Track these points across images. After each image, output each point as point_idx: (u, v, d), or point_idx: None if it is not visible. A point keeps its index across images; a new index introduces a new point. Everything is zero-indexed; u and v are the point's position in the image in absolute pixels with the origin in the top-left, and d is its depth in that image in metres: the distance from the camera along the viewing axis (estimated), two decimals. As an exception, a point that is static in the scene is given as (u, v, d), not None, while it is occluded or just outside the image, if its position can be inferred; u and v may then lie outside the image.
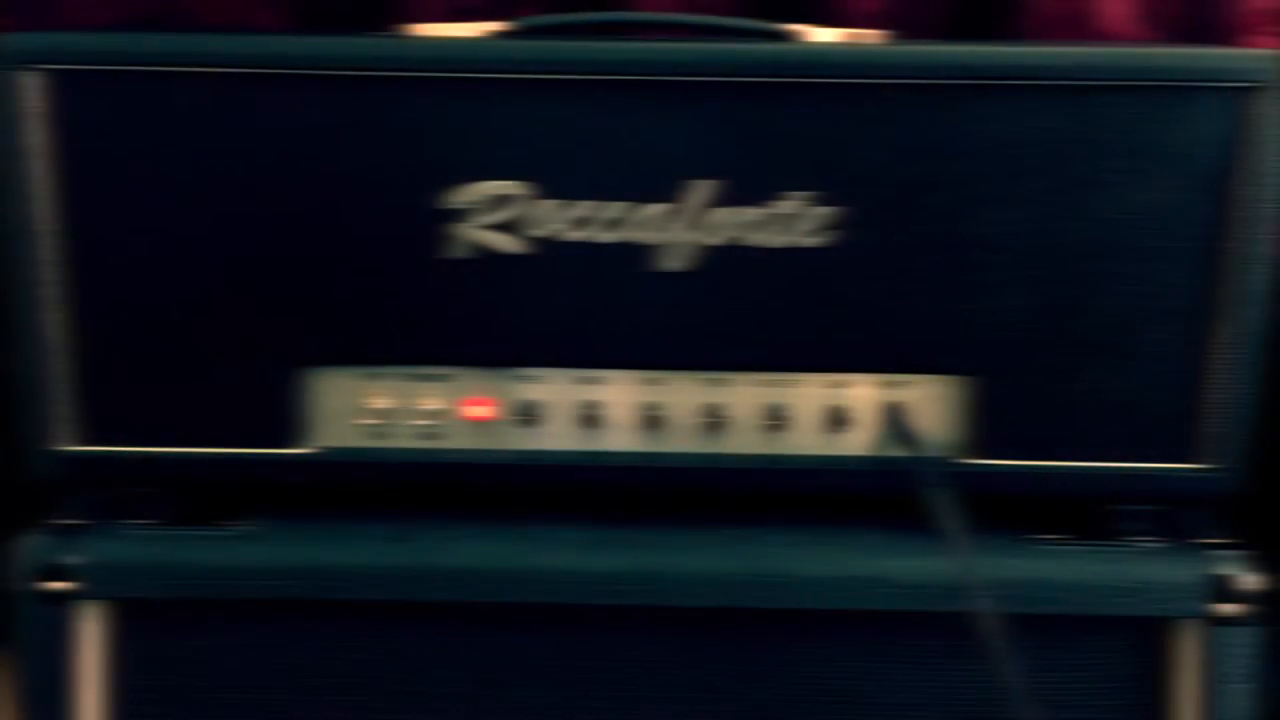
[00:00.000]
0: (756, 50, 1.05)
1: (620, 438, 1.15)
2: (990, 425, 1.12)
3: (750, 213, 1.07)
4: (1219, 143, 1.05)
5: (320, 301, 1.09)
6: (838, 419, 1.13)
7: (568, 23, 1.18)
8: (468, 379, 1.14)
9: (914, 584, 1.12)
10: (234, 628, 1.15)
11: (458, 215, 1.08)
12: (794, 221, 1.07)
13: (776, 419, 1.13)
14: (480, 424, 1.15)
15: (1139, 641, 1.15)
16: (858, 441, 1.15)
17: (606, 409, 1.14)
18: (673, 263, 1.08)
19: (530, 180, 1.07)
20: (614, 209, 1.07)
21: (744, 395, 1.14)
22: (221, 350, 1.10)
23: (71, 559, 1.12)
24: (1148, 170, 1.06)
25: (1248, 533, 1.22)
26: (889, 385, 1.13)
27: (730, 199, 1.07)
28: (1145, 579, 1.12)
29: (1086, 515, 1.16)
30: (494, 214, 1.08)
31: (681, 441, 1.15)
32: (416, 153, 1.06)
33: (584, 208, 1.07)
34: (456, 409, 1.15)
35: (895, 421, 1.12)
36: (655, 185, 1.07)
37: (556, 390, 1.14)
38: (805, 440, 1.15)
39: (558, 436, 1.15)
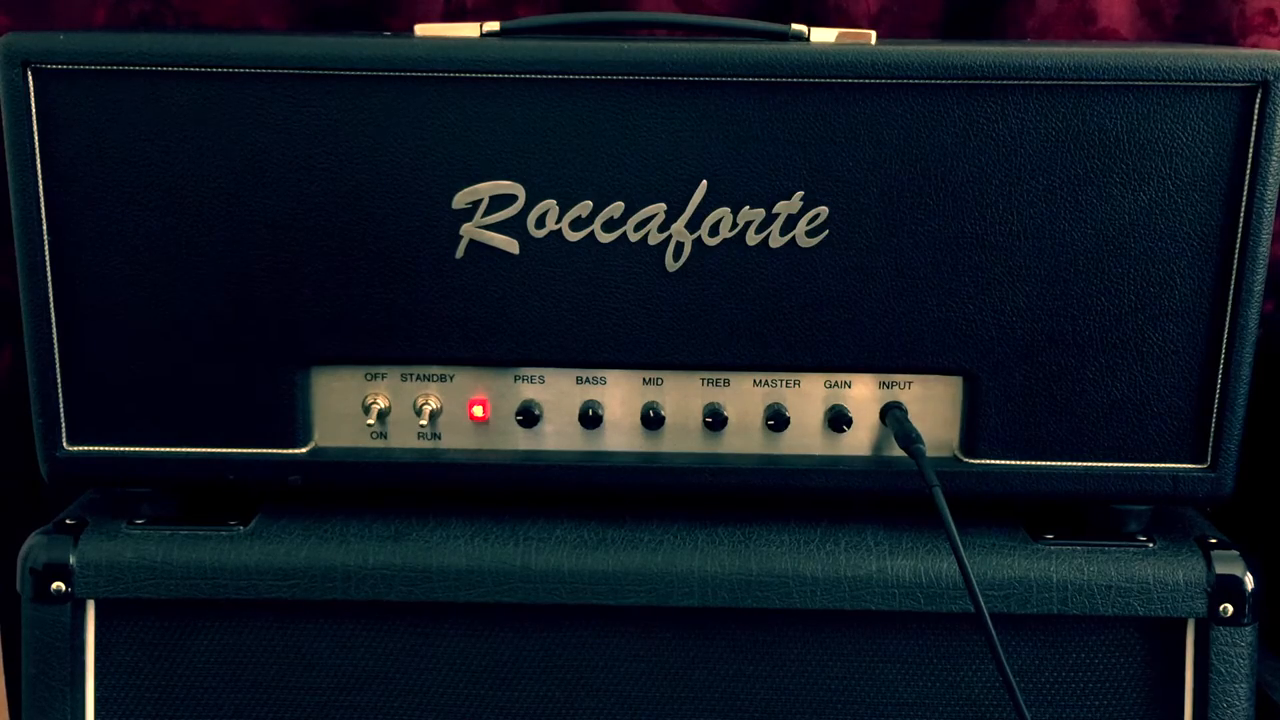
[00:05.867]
0: (756, 50, 1.05)
1: (620, 438, 1.15)
2: (990, 425, 1.12)
3: (750, 213, 1.07)
4: (1219, 143, 1.05)
5: (320, 301, 1.09)
6: (838, 419, 1.13)
7: (567, 23, 1.18)
8: (468, 379, 1.14)
9: (914, 584, 1.12)
10: (233, 627, 1.15)
11: (458, 215, 1.08)
12: (793, 221, 1.07)
13: (776, 419, 1.13)
14: (480, 424, 1.15)
15: (1139, 641, 1.15)
16: (858, 441, 1.15)
17: (606, 409, 1.14)
18: (673, 263, 1.08)
19: (530, 180, 1.07)
20: (614, 209, 1.07)
21: (744, 395, 1.14)
22: (221, 350, 1.10)
23: (71, 559, 1.12)
24: (1148, 170, 1.06)
25: (1247, 533, 1.23)
26: (889, 385, 1.13)
27: (730, 199, 1.07)
28: (1145, 579, 1.12)
29: (1086, 515, 1.17)
30: (494, 214, 1.08)
31: (681, 441, 1.15)
32: (416, 153, 1.06)
33: (584, 208, 1.07)
34: (457, 409, 1.15)
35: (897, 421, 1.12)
36: (655, 185, 1.07)
37: (556, 390, 1.14)
38: (805, 440, 1.15)
39: (558, 436, 1.15)
